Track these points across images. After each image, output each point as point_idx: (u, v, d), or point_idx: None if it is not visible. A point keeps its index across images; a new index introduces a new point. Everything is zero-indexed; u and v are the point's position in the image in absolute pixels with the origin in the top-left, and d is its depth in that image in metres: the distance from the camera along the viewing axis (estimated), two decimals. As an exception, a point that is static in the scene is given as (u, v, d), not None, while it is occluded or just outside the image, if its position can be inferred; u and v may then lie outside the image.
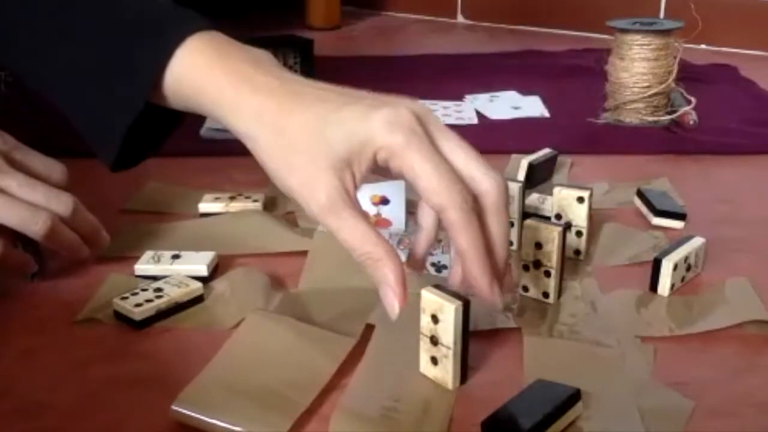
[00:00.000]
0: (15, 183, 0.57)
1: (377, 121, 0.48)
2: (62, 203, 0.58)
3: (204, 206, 0.72)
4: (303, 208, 0.49)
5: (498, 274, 0.50)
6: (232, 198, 0.73)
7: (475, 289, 0.49)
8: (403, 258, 0.62)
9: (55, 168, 0.61)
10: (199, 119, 0.97)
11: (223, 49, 0.53)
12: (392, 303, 0.47)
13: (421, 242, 0.53)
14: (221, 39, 0.54)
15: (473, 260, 0.48)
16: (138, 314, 0.55)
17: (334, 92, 0.51)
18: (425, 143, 0.48)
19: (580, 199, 0.64)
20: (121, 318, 0.55)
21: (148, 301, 0.56)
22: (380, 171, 0.50)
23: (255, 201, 0.73)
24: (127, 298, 0.56)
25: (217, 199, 0.73)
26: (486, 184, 0.49)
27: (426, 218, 0.52)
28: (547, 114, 1.08)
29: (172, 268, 0.60)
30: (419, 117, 0.49)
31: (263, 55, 0.53)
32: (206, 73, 0.52)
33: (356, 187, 0.49)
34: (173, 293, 0.57)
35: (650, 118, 1.00)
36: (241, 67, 0.52)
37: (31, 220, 0.56)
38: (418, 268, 0.54)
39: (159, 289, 0.57)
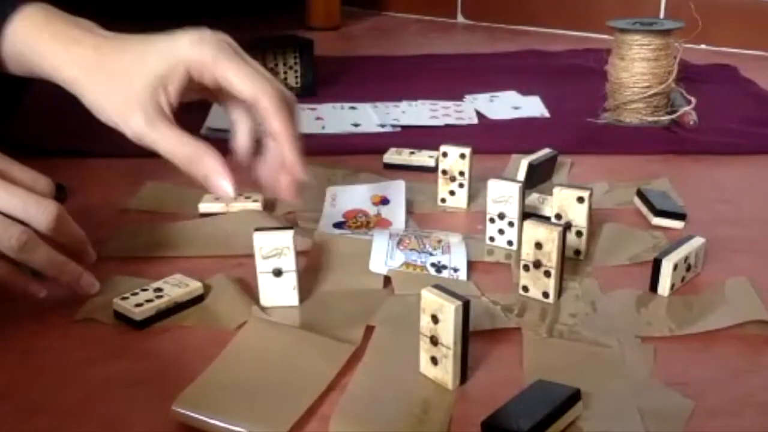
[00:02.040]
0: None
1: (185, 41, 0.57)
2: (43, 211, 0.53)
3: (204, 206, 0.72)
4: (124, 130, 0.57)
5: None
6: (232, 198, 0.73)
7: (289, 165, 0.58)
8: (401, 261, 0.63)
9: (39, 179, 0.56)
10: (198, 119, 0.98)
11: (51, 16, 0.61)
12: (225, 186, 0.57)
13: (241, 137, 0.62)
14: (49, 8, 0.61)
15: (287, 140, 0.57)
16: (138, 314, 0.54)
17: (149, 37, 0.59)
18: (232, 53, 0.57)
19: (580, 199, 0.64)
20: (121, 318, 0.55)
21: (149, 301, 0.55)
22: (195, 91, 0.59)
23: (255, 201, 0.73)
24: (127, 298, 0.56)
25: (217, 199, 0.73)
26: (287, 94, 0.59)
27: (238, 115, 0.62)
28: (547, 114, 1.08)
29: None
30: (223, 38, 0.58)
31: (87, 22, 0.61)
32: (36, 35, 0.60)
33: (171, 104, 0.57)
34: (173, 293, 0.56)
35: (650, 118, 1.00)
36: (66, 28, 0.60)
37: (3, 234, 0.51)
38: (243, 159, 0.62)
39: (159, 289, 0.57)
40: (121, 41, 0.60)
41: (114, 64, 0.58)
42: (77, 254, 0.57)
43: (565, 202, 0.65)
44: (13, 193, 0.52)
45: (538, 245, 0.57)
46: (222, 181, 0.57)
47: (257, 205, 0.72)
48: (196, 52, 0.57)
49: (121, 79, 0.57)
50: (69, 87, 0.60)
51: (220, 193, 0.57)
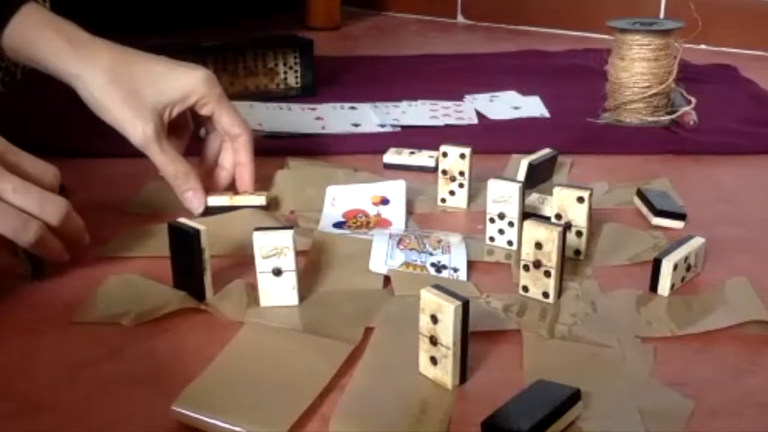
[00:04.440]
0: (10, 187, 0.55)
1: (202, 78, 0.70)
2: (55, 208, 0.57)
3: (210, 199, 0.73)
4: (128, 136, 0.68)
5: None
6: (236, 192, 0.74)
7: (243, 187, 0.75)
8: (401, 261, 0.63)
9: (48, 171, 0.59)
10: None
11: (50, 15, 0.70)
12: (196, 204, 0.72)
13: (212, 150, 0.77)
14: (46, 10, 0.71)
15: (249, 170, 0.74)
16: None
17: (164, 61, 0.71)
18: (226, 97, 0.73)
19: (580, 199, 0.64)
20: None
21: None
22: (180, 118, 0.72)
23: (260, 195, 0.73)
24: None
25: (222, 191, 0.74)
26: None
27: (212, 146, 0.77)
28: (547, 114, 1.08)
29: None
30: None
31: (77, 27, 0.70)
32: (39, 29, 0.68)
33: (168, 124, 0.70)
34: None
35: (650, 118, 1.00)
36: (68, 27, 0.69)
37: (23, 230, 0.55)
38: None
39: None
40: (129, 51, 0.70)
41: (131, 75, 0.68)
42: (76, 243, 0.62)
43: (565, 202, 0.65)
44: (29, 190, 0.56)
45: (538, 245, 0.57)
46: (196, 201, 0.72)
47: (261, 200, 0.73)
48: (209, 89, 0.71)
49: (136, 90, 0.67)
50: (69, 80, 0.68)
51: (191, 207, 0.72)
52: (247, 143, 0.74)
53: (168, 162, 0.69)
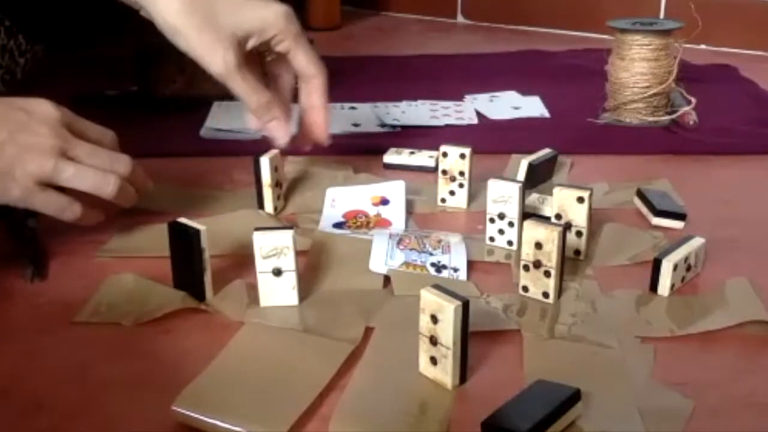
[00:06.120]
0: (84, 152, 0.60)
1: (282, 13, 0.69)
2: (123, 164, 0.63)
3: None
4: (206, 65, 0.67)
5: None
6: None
7: (318, 128, 0.74)
8: (401, 261, 0.63)
9: (106, 134, 0.65)
10: (199, 120, 0.97)
11: None
12: (281, 134, 0.72)
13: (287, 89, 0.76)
14: None
15: (321, 111, 0.73)
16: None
17: None
18: (305, 35, 0.72)
19: (580, 199, 0.64)
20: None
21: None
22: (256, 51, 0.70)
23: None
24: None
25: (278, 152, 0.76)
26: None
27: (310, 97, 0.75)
28: (547, 114, 1.08)
29: None
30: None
31: None
32: None
33: (245, 55, 0.68)
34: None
35: (650, 118, 1.00)
36: None
37: (103, 183, 0.61)
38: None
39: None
40: None
41: (208, 0, 0.66)
42: (142, 190, 0.67)
43: (565, 202, 0.65)
44: (98, 151, 0.62)
45: (538, 245, 0.57)
46: (281, 131, 0.72)
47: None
48: (287, 25, 0.69)
49: (214, 16, 0.66)
50: (147, 5, 0.66)
51: (276, 137, 0.72)
52: (321, 86, 0.73)
53: (250, 91, 0.68)
